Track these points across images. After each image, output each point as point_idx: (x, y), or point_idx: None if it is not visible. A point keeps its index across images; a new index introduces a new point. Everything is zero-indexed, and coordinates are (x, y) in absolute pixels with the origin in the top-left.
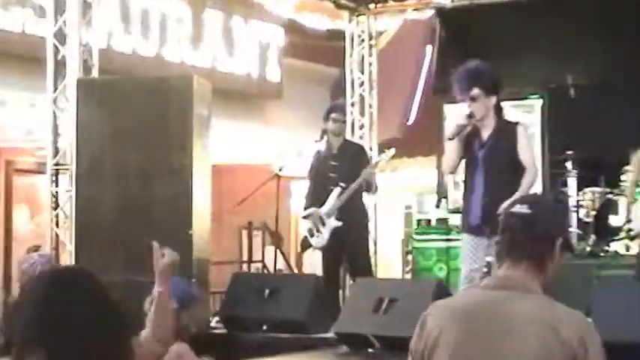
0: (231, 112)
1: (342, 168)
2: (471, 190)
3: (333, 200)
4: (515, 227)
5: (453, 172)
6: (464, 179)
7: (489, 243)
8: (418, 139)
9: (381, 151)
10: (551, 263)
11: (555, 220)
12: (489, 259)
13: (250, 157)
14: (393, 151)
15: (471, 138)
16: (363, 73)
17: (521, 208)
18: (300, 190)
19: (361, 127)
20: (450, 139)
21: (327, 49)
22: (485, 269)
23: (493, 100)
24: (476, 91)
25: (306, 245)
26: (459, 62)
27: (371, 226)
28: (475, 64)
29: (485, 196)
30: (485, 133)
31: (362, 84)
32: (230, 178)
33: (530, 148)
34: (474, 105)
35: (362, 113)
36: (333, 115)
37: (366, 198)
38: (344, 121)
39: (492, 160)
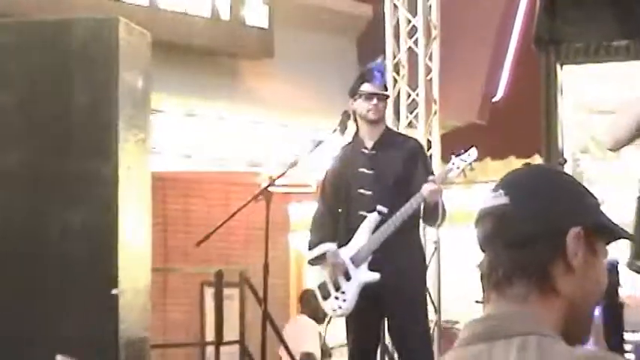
0: (186, 81)
1: (381, 179)
2: None
3: (365, 236)
4: (492, 231)
5: (618, 148)
6: None
7: None
8: (512, 127)
9: (446, 148)
10: (569, 275)
11: (559, 201)
12: None
13: (220, 160)
14: (475, 152)
15: None
16: (414, 13)
17: (496, 197)
18: (305, 216)
19: (412, 107)
20: None
21: None
22: None
23: None
24: None
25: (313, 311)
26: None
27: (431, 279)
28: None
29: None
30: None
31: (413, 32)
32: (185, 196)
33: None
34: None
35: (413, 83)
36: (365, 86)
37: (426, 233)
38: (385, 97)
39: None
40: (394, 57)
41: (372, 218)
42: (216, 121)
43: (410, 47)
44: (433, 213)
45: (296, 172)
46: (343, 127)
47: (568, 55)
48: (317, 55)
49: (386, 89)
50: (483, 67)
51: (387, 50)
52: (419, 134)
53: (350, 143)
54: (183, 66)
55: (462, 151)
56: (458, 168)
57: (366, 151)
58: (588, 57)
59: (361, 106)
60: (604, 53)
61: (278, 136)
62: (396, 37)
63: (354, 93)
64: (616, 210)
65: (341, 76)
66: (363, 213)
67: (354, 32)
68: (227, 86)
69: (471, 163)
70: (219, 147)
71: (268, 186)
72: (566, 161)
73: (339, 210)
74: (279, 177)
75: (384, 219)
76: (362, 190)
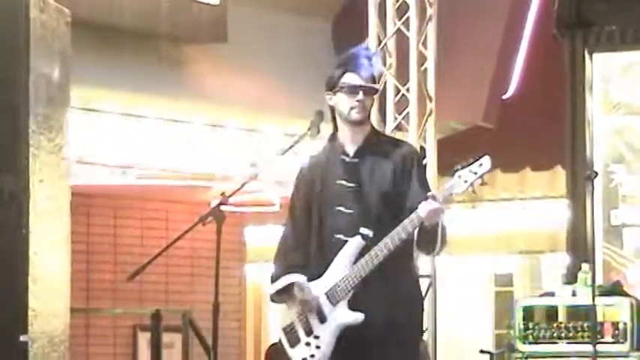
0: (116, 72)
1: (365, 194)
2: None
3: (345, 266)
4: None
5: None
6: None
7: None
8: (527, 131)
9: (443, 156)
10: None
11: None
12: None
13: (158, 172)
14: (488, 162)
15: None
16: None
17: None
18: (266, 242)
19: (402, 105)
20: None
21: None
22: None
23: None
24: None
25: None
26: None
27: (425, 320)
28: None
29: None
30: None
31: (404, 10)
32: (114, 217)
33: None
34: None
35: (403, 76)
36: (348, 77)
37: (421, 262)
38: (373, 92)
39: None
40: (379, 42)
41: (354, 244)
42: (155, 122)
43: (399, 30)
44: (430, 238)
45: (255, 187)
46: (315, 131)
47: (599, 41)
48: (281, 39)
49: (375, 81)
50: (491, 56)
51: (369, 33)
52: (410, 139)
53: (326, 148)
54: (112, 53)
55: (471, 160)
56: (465, 182)
57: (347, 159)
58: (625, 43)
59: (342, 102)
60: None
61: (233, 141)
62: (382, 16)
63: (333, 85)
64: None
65: (312, 66)
66: (342, 237)
67: (329, 11)
68: (169, 78)
69: (482, 177)
70: (158, 155)
71: (220, 204)
72: (596, 174)
73: (310, 234)
74: (233, 193)
75: (368, 245)
76: (341, 208)
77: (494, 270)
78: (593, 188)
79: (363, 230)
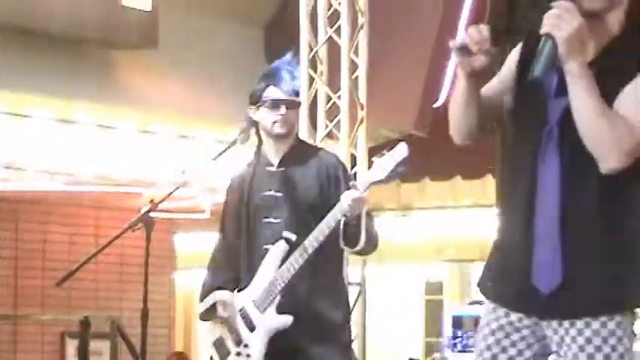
0: (44, 77)
1: (292, 203)
2: (520, 200)
3: (270, 272)
4: None
5: (469, 139)
6: (500, 180)
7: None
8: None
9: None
10: None
11: None
12: None
13: (87, 178)
14: (404, 148)
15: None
16: None
17: None
18: (196, 249)
19: (333, 113)
20: (458, 48)
21: None
22: None
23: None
24: None
25: None
26: None
27: (354, 330)
28: None
29: (564, 209)
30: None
31: (335, 18)
32: (43, 223)
33: None
34: None
35: (335, 83)
36: (270, 91)
37: (350, 270)
38: (295, 105)
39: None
40: (310, 50)
41: (278, 248)
42: (84, 128)
43: (331, 37)
44: (356, 230)
45: (185, 194)
46: (246, 137)
47: None
48: (213, 45)
49: (297, 94)
50: (423, 64)
51: (301, 41)
52: (341, 147)
53: (252, 161)
54: (39, 58)
55: (384, 151)
56: (385, 169)
57: (272, 169)
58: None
59: (265, 116)
60: None
61: (163, 147)
62: (314, 24)
63: (256, 100)
64: None
65: (243, 73)
66: (270, 247)
67: (261, 18)
68: (98, 84)
69: (401, 164)
70: (87, 161)
71: (149, 211)
72: None
73: (237, 242)
74: (162, 200)
75: (291, 250)
76: (270, 219)
77: (424, 278)
78: None
79: (286, 234)
